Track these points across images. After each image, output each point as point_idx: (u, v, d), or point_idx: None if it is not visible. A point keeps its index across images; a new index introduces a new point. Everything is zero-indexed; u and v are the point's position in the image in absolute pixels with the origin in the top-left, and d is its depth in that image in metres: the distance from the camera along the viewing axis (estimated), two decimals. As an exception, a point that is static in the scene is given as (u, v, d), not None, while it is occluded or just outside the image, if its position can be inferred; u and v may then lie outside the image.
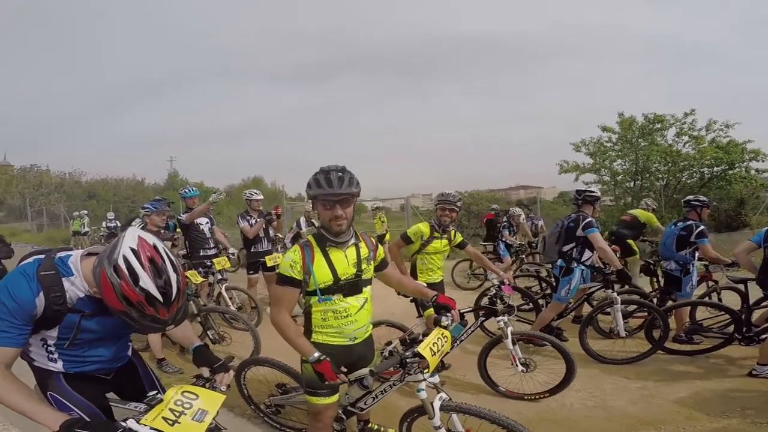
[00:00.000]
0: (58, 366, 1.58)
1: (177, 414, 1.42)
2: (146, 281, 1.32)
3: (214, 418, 1.49)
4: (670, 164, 12.89)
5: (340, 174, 1.92)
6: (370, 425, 2.51)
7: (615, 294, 4.01)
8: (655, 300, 4.66)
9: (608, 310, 4.10)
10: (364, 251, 2.08)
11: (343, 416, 2.30)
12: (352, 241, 2.05)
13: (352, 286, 2.03)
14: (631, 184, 13.69)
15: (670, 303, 4.39)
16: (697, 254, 4.29)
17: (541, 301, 4.90)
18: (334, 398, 2.10)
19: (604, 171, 13.96)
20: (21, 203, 25.08)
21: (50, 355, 1.56)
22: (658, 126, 13.07)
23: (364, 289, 2.09)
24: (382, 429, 2.60)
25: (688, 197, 4.59)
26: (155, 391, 1.55)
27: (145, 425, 1.36)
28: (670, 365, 3.85)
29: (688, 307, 4.30)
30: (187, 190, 5.36)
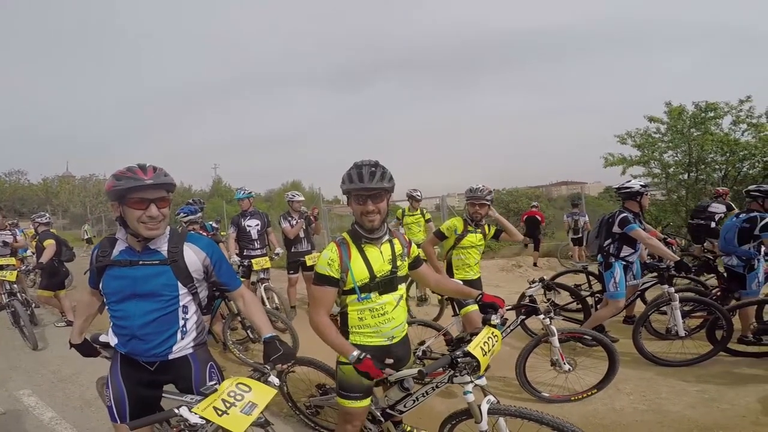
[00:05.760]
0: (115, 339, 1.83)
1: (228, 405, 1.44)
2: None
3: (262, 413, 1.51)
4: (728, 154, 11.93)
5: (372, 168, 1.90)
6: (402, 426, 2.45)
7: (673, 290, 3.75)
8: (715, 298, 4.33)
9: (664, 308, 3.85)
10: (398, 247, 2.06)
11: (381, 419, 2.24)
12: (386, 237, 2.03)
13: (387, 284, 1.99)
14: (685, 176, 12.79)
15: (733, 302, 4.06)
16: (762, 249, 3.93)
17: (589, 300, 4.67)
18: (366, 402, 2.04)
19: (653, 163, 13.13)
20: (82, 211, 27.07)
21: (111, 325, 1.84)
22: (711, 114, 12.12)
23: (400, 286, 2.06)
24: (415, 431, 2.53)
25: (749, 187, 4.23)
26: (213, 382, 1.59)
27: (195, 413, 1.41)
28: (734, 368, 3.56)
29: (755, 306, 3.95)
30: (240, 192, 5.67)
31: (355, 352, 1.88)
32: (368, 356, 1.86)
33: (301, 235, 5.67)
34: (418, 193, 6.63)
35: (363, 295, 1.95)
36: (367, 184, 1.86)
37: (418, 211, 6.62)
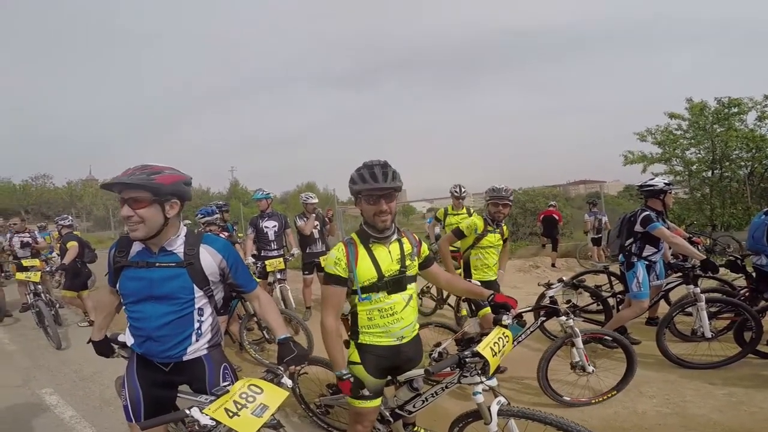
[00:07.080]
0: (132, 340, 1.84)
1: (239, 407, 1.44)
2: None
3: (273, 415, 1.50)
4: (753, 150, 11.54)
5: (384, 168, 1.90)
6: (415, 429, 2.42)
7: (698, 290, 3.63)
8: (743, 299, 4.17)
9: (690, 309, 3.73)
10: (407, 247, 2.04)
11: (390, 419, 2.21)
12: (395, 236, 2.01)
13: (396, 283, 1.98)
14: (709, 173, 12.40)
15: (763, 303, 3.90)
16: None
17: (611, 301, 4.54)
18: (377, 402, 2.04)
19: (675, 161, 12.76)
20: (105, 213, 27.71)
21: (128, 326, 1.85)
22: (735, 110, 11.73)
23: (409, 286, 2.03)
24: None
25: None
26: (226, 383, 1.59)
27: (206, 415, 1.40)
28: (763, 370, 3.41)
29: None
30: (258, 193, 5.70)
31: (344, 370, 1.96)
32: (351, 379, 1.94)
33: (316, 235, 5.72)
34: (462, 189, 5.69)
35: (364, 296, 1.95)
36: (381, 183, 1.86)
37: (464, 210, 5.76)
